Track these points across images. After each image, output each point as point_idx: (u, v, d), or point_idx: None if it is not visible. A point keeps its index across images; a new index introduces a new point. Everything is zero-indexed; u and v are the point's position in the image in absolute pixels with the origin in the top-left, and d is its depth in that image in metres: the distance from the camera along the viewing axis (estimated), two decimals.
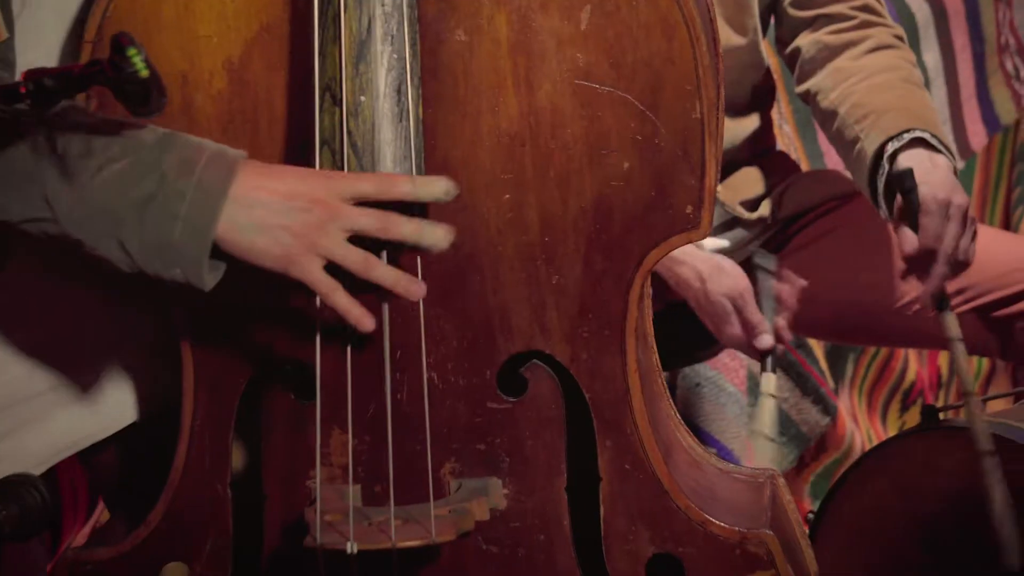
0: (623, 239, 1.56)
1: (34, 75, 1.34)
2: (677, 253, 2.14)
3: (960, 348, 2.11)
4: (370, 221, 1.48)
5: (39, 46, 1.60)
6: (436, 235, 1.50)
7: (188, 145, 1.48)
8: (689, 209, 1.56)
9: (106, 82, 1.35)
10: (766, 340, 2.24)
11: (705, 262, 2.30)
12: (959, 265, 2.19)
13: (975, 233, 2.21)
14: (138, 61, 1.33)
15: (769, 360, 2.24)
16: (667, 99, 1.53)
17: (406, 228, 1.49)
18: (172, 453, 1.64)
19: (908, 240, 2.16)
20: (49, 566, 1.74)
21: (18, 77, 1.36)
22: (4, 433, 1.65)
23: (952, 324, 2.14)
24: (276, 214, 1.46)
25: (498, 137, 1.54)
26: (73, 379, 1.68)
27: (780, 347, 2.29)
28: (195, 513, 1.64)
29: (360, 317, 1.50)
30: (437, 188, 1.50)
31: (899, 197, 2.20)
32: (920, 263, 2.18)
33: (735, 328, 2.26)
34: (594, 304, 1.58)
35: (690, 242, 1.57)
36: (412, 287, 1.51)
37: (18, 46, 1.56)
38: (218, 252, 1.47)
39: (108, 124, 1.48)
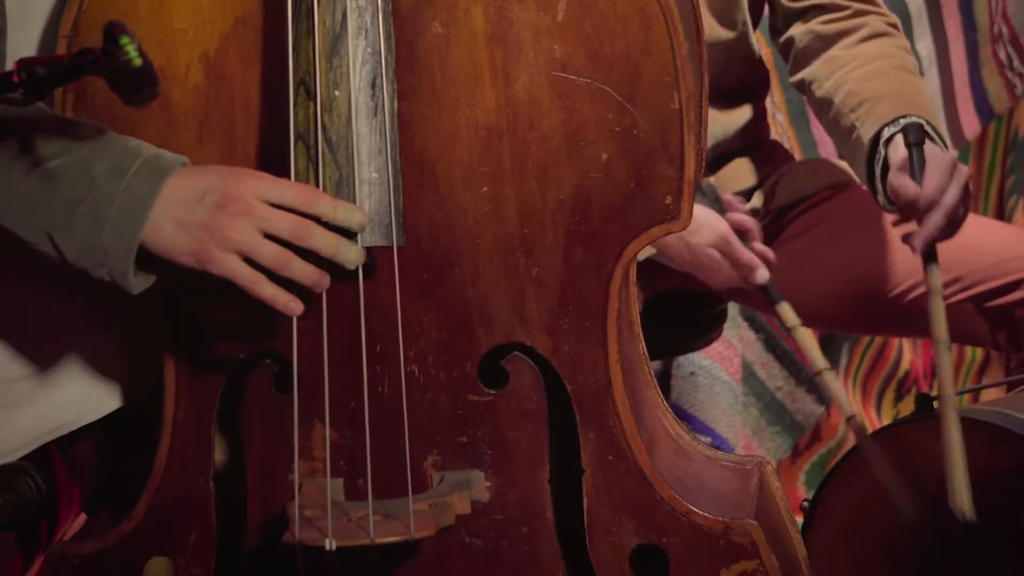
0: (602, 231, 1.56)
1: (26, 64, 1.34)
2: None
3: (939, 304, 2.09)
4: (285, 224, 1.48)
5: (25, 30, 1.59)
6: (351, 254, 1.50)
7: (123, 150, 1.48)
8: (668, 200, 1.56)
9: (99, 71, 1.34)
10: (763, 275, 2.19)
11: None
12: (953, 226, 2.16)
13: (967, 210, 2.19)
14: (131, 50, 1.33)
15: (771, 291, 2.19)
16: (645, 90, 1.53)
17: (321, 239, 1.49)
18: (153, 445, 1.64)
19: (908, 186, 2.13)
20: (42, 558, 1.75)
21: (10, 65, 1.36)
22: None
23: (935, 276, 2.12)
24: (190, 210, 1.47)
25: (475, 129, 1.54)
26: (54, 364, 1.68)
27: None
28: (178, 507, 1.65)
29: (287, 303, 1.50)
30: (354, 217, 1.50)
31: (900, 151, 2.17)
32: (915, 213, 2.14)
33: (726, 273, 2.22)
34: (574, 295, 1.58)
35: (670, 233, 1.57)
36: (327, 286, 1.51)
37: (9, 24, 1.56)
38: (150, 256, 1.48)
39: (49, 121, 1.48)
